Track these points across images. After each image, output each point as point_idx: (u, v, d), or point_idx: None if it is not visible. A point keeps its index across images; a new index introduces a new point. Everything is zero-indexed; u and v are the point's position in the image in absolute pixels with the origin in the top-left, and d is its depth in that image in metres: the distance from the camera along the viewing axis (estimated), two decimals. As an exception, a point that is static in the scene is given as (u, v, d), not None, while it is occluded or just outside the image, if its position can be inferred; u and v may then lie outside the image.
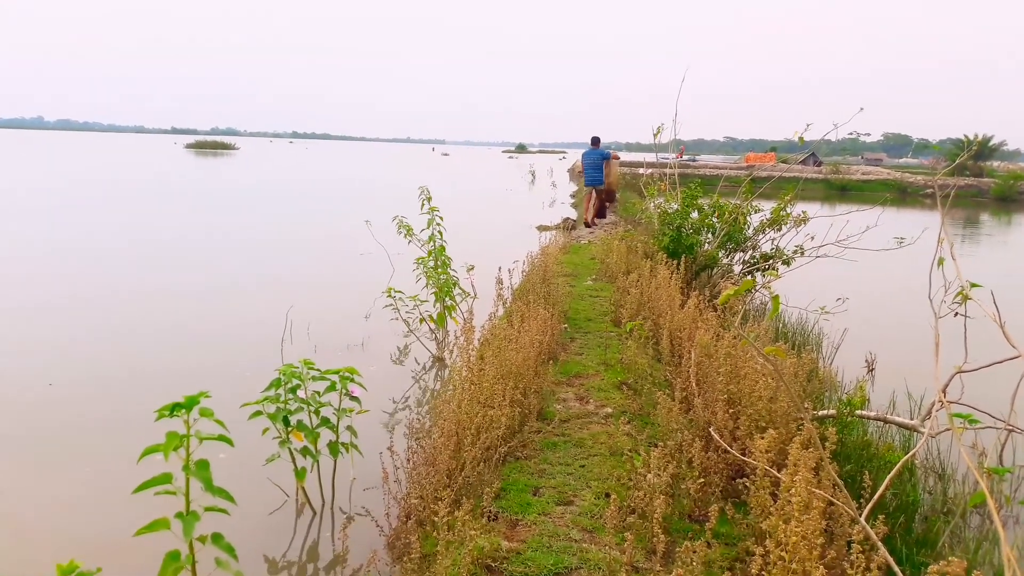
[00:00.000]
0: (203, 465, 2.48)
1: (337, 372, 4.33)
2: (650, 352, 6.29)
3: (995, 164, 61.37)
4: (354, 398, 4.39)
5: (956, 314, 3.78)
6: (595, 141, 15.97)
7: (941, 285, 3.71)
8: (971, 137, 57.17)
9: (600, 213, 16.75)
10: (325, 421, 4.30)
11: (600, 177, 15.70)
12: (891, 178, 45.56)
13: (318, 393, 4.30)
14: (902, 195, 40.30)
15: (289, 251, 14.81)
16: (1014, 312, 4.29)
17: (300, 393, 4.20)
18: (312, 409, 4.24)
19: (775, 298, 3.18)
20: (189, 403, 2.52)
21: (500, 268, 7.37)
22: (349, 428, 4.36)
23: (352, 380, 4.35)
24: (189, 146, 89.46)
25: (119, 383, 6.67)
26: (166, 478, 2.42)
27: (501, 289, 6.99)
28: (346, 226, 16.83)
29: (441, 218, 8.44)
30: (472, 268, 9.35)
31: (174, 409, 2.51)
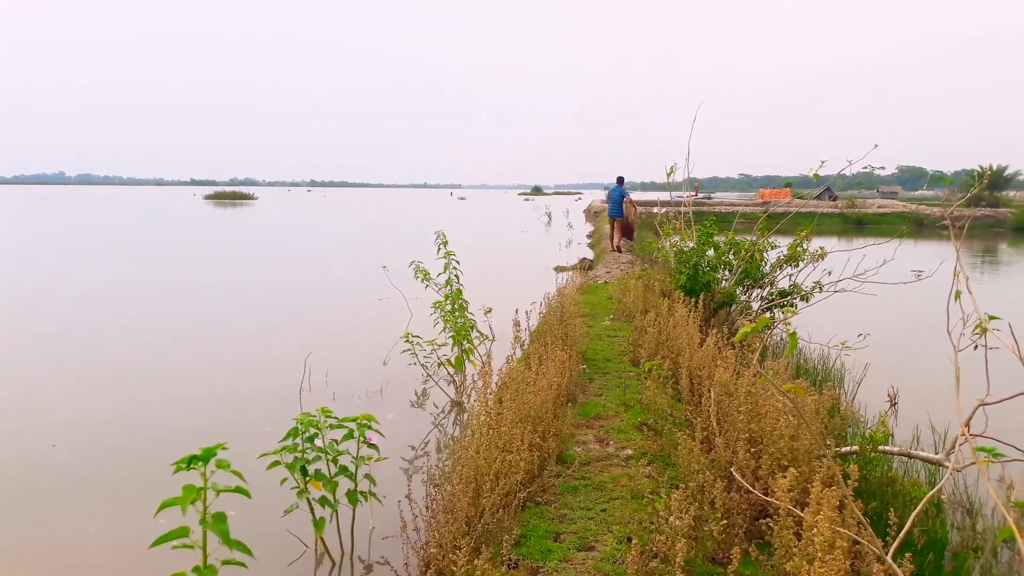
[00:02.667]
0: (220, 518, 2.46)
1: (355, 420, 4.32)
2: (669, 392, 6.23)
3: (1011, 194, 61.08)
4: (372, 446, 4.38)
5: (976, 347, 3.70)
6: (620, 180, 18.69)
7: (960, 318, 3.65)
8: (984, 168, 56.97)
9: (627, 235, 18.91)
10: (343, 470, 4.28)
11: (620, 211, 18.28)
12: (907, 211, 45.50)
13: (336, 441, 4.29)
14: (918, 227, 40.14)
15: (307, 298, 14.94)
16: None
17: (318, 442, 4.19)
18: (330, 458, 4.22)
19: (792, 335, 3.16)
20: (206, 455, 2.52)
21: (516, 310, 7.36)
22: (368, 476, 4.34)
23: (370, 427, 4.34)
24: (208, 197, 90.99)
25: (137, 435, 6.69)
26: (183, 532, 2.41)
27: (518, 331, 6.93)
28: (364, 272, 17.00)
29: (458, 262, 8.51)
30: (490, 311, 9.37)
31: (191, 462, 2.51)
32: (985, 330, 3.64)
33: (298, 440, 4.07)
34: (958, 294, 3.64)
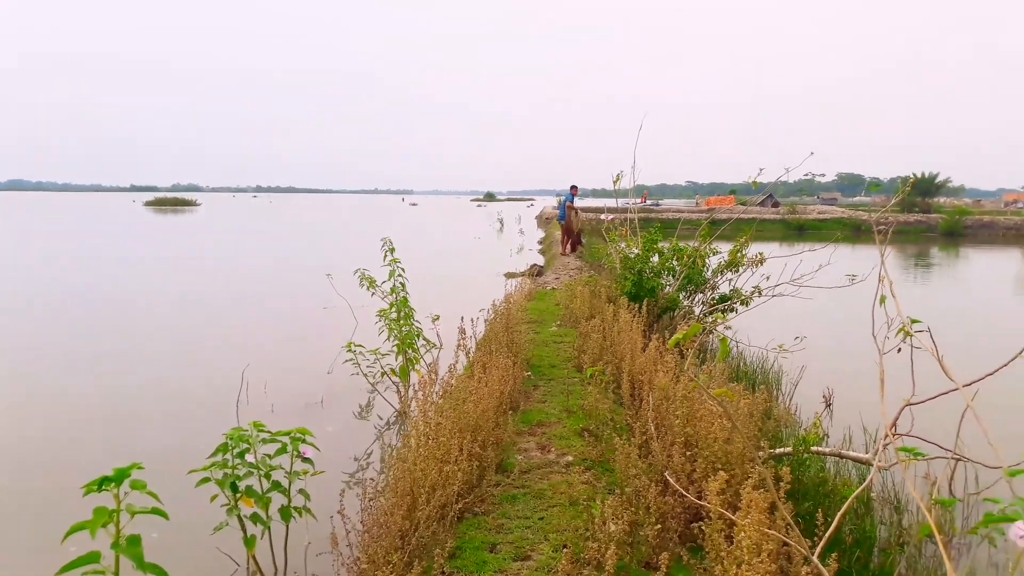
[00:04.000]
0: (134, 541, 2.36)
1: (288, 433, 4.22)
2: (611, 397, 6.28)
3: (942, 200, 63.48)
4: (307, 460, 4.27)
5: (899, 350, 3.82)
6: (573, 188, 20.18)
7: (884, 322, 3.76)
8: (918, 175, 59.03)
9: (574, 246, 20.20)
10: (276, 485, 4.16)
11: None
12: (845, 216, 46.67)
13: (268, 456, 4.18)
14: (856, 232, 41.29)
15: (247, 308, 14.62)
16: (965, 341, 4.35)
17: (249, 457, 4.07)
18: (262, 473, 4.11)
19: (723, 340, 3.22)
20: (119, 476, 2.42)
21: (462, 318, 7.26)
22: (302, 492, 4.24)
23: (304, 441, 4.24)
24: (148, 204, 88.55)
25: (61, 457, 6.41)
26: (94, 557, 2.30)
27: (464, 339, 6.91)
28: (308, 280, 16.71)
29: (403, 269, 8.38)
30: (437, 318, 9.29)
31: (103, 483, 2.40)
32: (908, 333, 3.75)
33: (228, 456, 3.95)
34: (883, 299, 3.74)
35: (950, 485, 5.29)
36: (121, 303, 15.25)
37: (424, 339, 8.49)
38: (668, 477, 3.93)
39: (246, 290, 17.41)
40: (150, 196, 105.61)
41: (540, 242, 31.02)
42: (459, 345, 6.79)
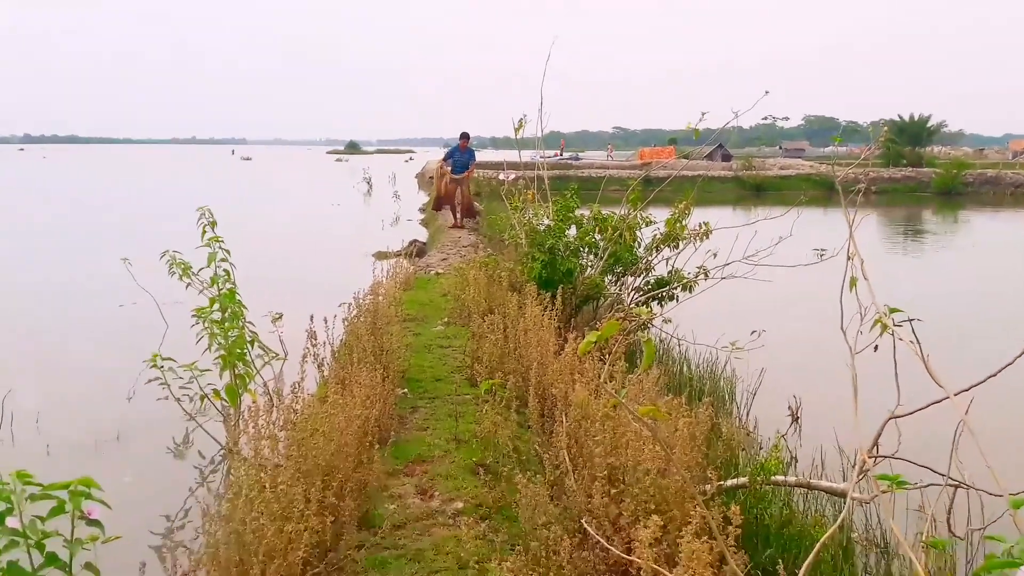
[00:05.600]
0: None
1: (66, 486, 4.05)
2: (515, 419, 6.36)
3: (935, 150, 66.68)
4: (94, 522, 4.11)
5: (876, 348, 3.95)
6: (464, 136, 20.48)
7: (857, 311, 3.86)
8: (905, 118, 61.89)
9: (468, 212, 21.03)
10: (52, 559, 3.99)
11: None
12: (814, 172, 48.91)
13: (40, 519, 4.00)
14: (829, 193, 42.77)
15: (6, 310, 13.93)
16: (967, 333, 4.45)
17: (12, 521, 3.89)
18: (31, 543, 3.93)
19: (648, 344, 3.29)
20: None
21: (312, 317, 7.27)
22: (88, 566, 4.09)
23: (89, 496, 4.08)
24: None
25: None
26: None
27: (315, 346, 6.95)
28: (97, 268, 16.09)
29: (228, 251, 8.16)
30: (279, 318, 9.14)
31: None
32: (885, 327, 3.85)
33: (-23, 522, 3.76)
34: (852, 282, 3.87)
35: (948, 519, 5.48)
36: None
37: (261, 347, 8.30)
38: (587, 525, 4.01)
39: (4, 285, 16.58)
40: None
41: (422, 210, 30.87)
42: (308, 355, 6.74)
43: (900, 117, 63.12)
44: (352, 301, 8.70)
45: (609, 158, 74.23)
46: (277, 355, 8.61)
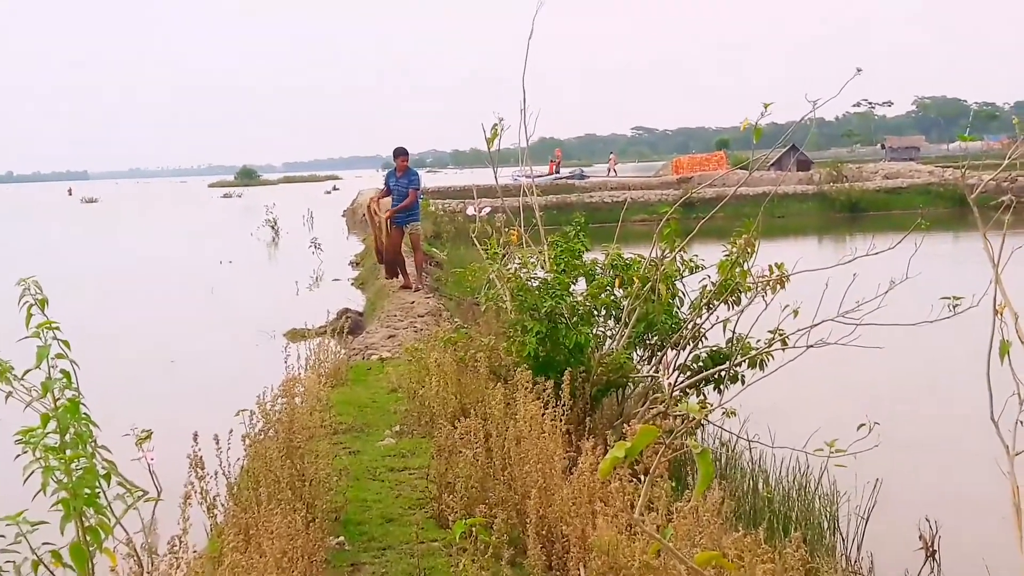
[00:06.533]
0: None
1: None
2: (508, 574, 5.86)
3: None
4: None
5: None
6: (400, 154, 18.56)
7: (1013, 393, 3.70)
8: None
9: (420, 267, 20.11)
10: None
11: (411, 214, 18.74)
12: (936, 180, 44.41)
13: None
14: (960, 209, 36.52)
15: None
16: None
17: None
18: None
19: (702, 456, 2.99)
20: None
21: (196, 435, 6.78)
22: None
23: None
24: None
25: None
26: None
27: (202, 479, 6.67)
28: None
29: (66, 343, 7.41)
30: (147, 437, 8.17)
31: None
32: None
33: None
34: (1004, 348, 3.77)
35: None
36: None
37: (122, 483, 7.36)
38: None
39: None
40: None
41: (356, 262, 30.42)
42: (192, 492, 6.50)
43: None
44: (256, 408, 8.22)
45: (611, 174, 68.69)
46: (146, 494, 7.67)
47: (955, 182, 41.75)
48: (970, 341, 7.63)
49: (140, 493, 7.64)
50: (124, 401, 8.99)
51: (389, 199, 19.21)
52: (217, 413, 8.11)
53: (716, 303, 9.15)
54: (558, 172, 63.94)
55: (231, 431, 7.61)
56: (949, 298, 7.77)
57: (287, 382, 8.97)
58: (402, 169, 18.66)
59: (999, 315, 3.76)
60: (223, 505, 7.01)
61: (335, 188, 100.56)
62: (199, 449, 6.62)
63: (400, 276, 19.55)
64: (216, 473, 6.95)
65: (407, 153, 18.90)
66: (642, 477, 6.22)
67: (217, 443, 7.24)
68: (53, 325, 7.12)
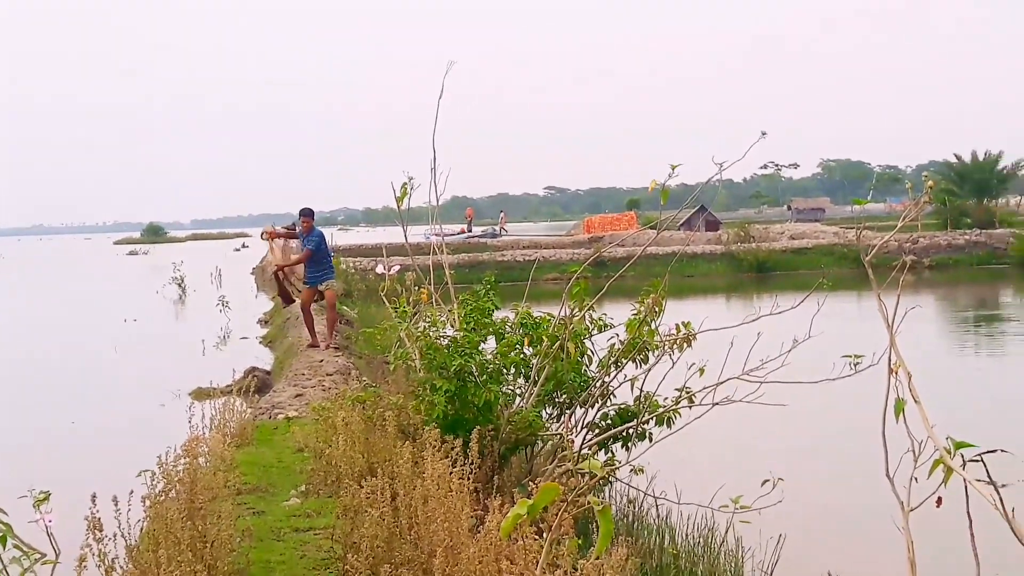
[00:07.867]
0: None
1: None
2: None
3: (1012, 201, 64.39)
4: None
5: (939, 501, 3.76)
6: (305, 215, 18.67)
7: (908, 448, 3.76)
8: (962, 158, 59.87)
9: (333, 326, 19.88)
10: None
11: (324, 272, 18.81)
12: (840, 241, 46.09)
13: None
14: (862, 270, 40.79)
15: None
16: None
17: None
18: None
19: (603, 513, 3.16)
20: None
21: (95, 496, 6.59)
22: None
23: None
24: None
25: None
26: None
27: (101, 540, 6.45)
28: None
29: None
30: (46, 498, 8.04)
31: None
32: (949, 470, 3.60)
33: None
34: (900, 406, 3.79)
35: None
36: None
37: (17, 545, 7.21)
38: None
39: None
40: None
41: (265, 320, 30.49)
42: (90, 554, 6.24)
43: (958, 158, 61.88)
44: (157, 468, 8.03)
45: (501, 231, 69.25)
46: (44, 556, 7.57)
47: (857, 243, 42.39)
48: (870, 398, 7.90)
49: (37, 556, 7.62)
50: (23, 464, 8.97)
51: (302, 267, 19.40)
52: (119, 474, 8.05)
53: (624, 361, 9.22)
54: (470, 231, 63.50)
55: (131, 492, 7.49)
56: (850, 356, 7.88)
57: (190, 442, 8.77)
58: (307, 229, 18.88)
59: (894, 374, 3.82)
60: (122, 568, 6.85)
61: (244, 245, 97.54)
62: (97, 511, 6.49)
63: (307, 330, 19.73)
64: (115, 535, 6.86)
65: (312, 214, 19.14)
66: (547, 535, 6.26)
67: (116, 504, 7.14)
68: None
